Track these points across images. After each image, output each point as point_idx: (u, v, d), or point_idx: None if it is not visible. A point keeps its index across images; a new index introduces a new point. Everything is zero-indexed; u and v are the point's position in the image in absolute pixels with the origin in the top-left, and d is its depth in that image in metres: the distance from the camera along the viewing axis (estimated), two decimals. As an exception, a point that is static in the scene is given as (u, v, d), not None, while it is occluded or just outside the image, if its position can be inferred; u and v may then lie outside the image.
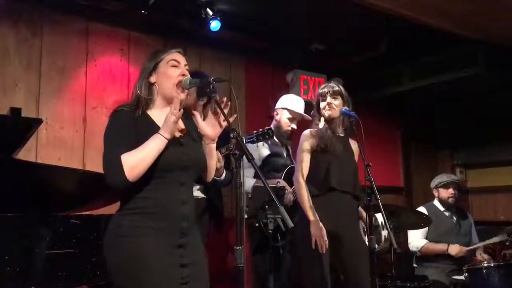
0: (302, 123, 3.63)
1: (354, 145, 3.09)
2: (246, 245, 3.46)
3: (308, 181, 2.98)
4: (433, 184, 4.33)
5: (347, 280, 2.95)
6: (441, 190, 4.25)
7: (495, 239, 4.11)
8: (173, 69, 1.96)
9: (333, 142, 2.95)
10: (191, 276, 1.88)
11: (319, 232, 2.80)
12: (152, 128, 1.88)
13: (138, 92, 1.95)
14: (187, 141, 1.98)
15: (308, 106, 4.00)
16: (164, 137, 1.84)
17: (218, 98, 1.95)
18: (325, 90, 3.04)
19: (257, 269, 3.38)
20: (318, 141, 2.97)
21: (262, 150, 3.44)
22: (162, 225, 1.85)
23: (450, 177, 4.29)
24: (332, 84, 3.06)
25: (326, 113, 3.00)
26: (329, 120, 3.01)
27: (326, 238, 2.80)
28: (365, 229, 3.07)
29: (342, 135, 3.04)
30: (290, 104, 3.62)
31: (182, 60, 2.00)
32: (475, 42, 4.36)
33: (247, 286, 3.47)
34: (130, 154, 1.79)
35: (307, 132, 3.06)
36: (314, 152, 3.00)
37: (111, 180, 1.80)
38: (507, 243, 4.37)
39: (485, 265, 3.58)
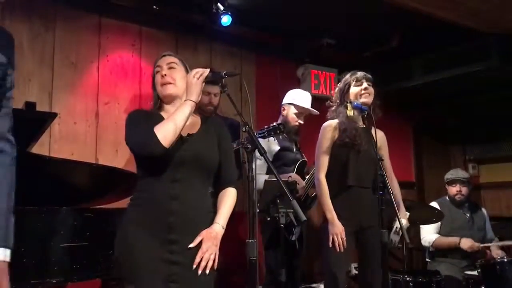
0: (309, 118, 3.62)
1: (379, 133, 2.94)
2: (258, 239, 3.50)
3: (330, 177, 2.90)
4: (445, 179, 4.30)
5: (362, 274, 2.95)
6: (449, 186, 4.22)
7: (510, 242, 4.07)
8: (157, 75, 2.08)
9: (358, 135, 2.82)
10: (182, 276, 1.85)
11: (337, 230, 2.77)
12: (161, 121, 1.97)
13: (153, 101, 2.11)
14: (194, 138, 2.00)
15: (319, 101, 4.00)
16: (192, 101, 1.93)
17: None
18: (359, 75, 2.91)
19: (269, 264, 3.39)
20: (342, 134, 2.86)
21: (272, 145, 3.43)
22: (150, 218, 1.89)
23: (456, 174, 4.20)
24: (361, 71, 2.95)
25: (363, 99, 2.88)
26: (355, 109, 2.86)
27: (344, 237, 2.76)
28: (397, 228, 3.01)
29: (364, 126, 2.92)
30: (297, 99, 3.59)
31: (164, 62, 2.07)
32: (488, 35, 4.31)
33: (261, 280, 3.51)
34: (161, 124, 1.88)
35: (328, 124, 2.93)
36: (334, 146, 2.89)
37: (147, 150, 1.85)
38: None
39: (499, 260, 3.55)
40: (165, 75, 2.02)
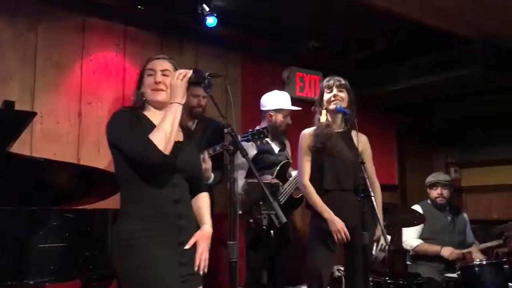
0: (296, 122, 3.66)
1: (362, 137, 3.01)
2: (241, 240, 3.50)
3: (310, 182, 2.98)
4: (426, 183, 4.35)
5: (347, 277, 2.99)
6: (430, 190, 4.27)
7: (490, 244, 4.13)
8: (149, 77, 2.05)
9: (332, 139, 2.90)
10: (190, 274, 1.93)
11: (338, 226, 2.79)
12: (151, 126, 1.95)
13: (136, 99, 2.09)
14: (182, 148, 2.03)
15: (303, 103, 4.02)
16: (178, 103, 1.93)
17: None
18: (331, 82, 3.00)
19: (251, 265, 3.39)
20: (315, 140, 2.95)
21: (250, 149, 3.43)
22: (159, 225, 1.89)
23: (438, 177, 4.26)
24: (337, 77, 3.03)
25: (332, 105, 2.95)
26: (332, 114, 2.98)
27: (346, 230, 2.79)
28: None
29: (343, 130, 3.00)
30: (282, 104, 3.64)
31: (158, 67, 2.06)
32: (472, 41, 4.36)
33: (241, 281, 3.50)
34: (155, 131, 1.88)
35: (304, 132, 3.04)
36: (311, 151, 2.98)
37: (148, 159, 1.86)
38: (501, 241, 4.40)
39: (477, 262, 3.61)
40: (159, 82, 2.02)
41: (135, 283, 1.86)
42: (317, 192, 2.92)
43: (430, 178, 4.29)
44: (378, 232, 2.90)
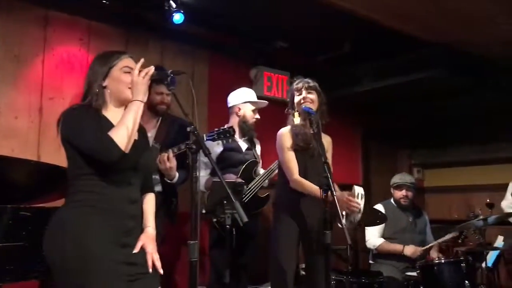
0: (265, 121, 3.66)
1: (325, 138, 3.07)
2: (206, 239, 3.49)
3: (281, 181, 3.00)
4: (391, 183, 4.43)
5: (307, 275, 3.03)
6: (395, 190, 4.36)
7: (447, 237, 4.25)
8: (126, 75, 2.00)
9: (311, 139, 2.93)
10: (141, 274, 1.91)
11: (342, 201, 2.72)
12: (110, 127, 1.91)
13: (90, 93, 1.99)
14: (138, 146, 2.01)
15: (271, 103, 4.04)
16: (140, 101, 1.91)
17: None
18: (300, 84, 3.04)
19: (215, 264, 3.39)
20: (295, 140, 2.97)
21: (215, 146, 3.42)
22: (108, 222, 1.86)
23: (404, 179, 4.35)
24: (306, 79, 3.06)
25: (302, 106, 2.98)
26: (304, 116, 2.99)
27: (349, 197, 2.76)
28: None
29: (314, 131, 2.99)
30: (250, 97, 3.68)
31: (134, 66, 2.02)
32: (435, 45, 4.46)
33: (207, 280, 3.50)
34: (116, 129, 1.85)
35: (284, 130, 3.05)
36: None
37: (107, 156, 1.83)
38: (460, 241, 4.54)
39: (436, 261, 3.71)
40: None
41: (70, 275, 1.80)
42: (293, 192, 2.93)
43: (396, 179, 4.37)
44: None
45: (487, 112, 5.58)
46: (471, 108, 5.56)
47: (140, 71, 1.94)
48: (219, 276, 3.20)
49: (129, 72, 2.00)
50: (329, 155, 3.08)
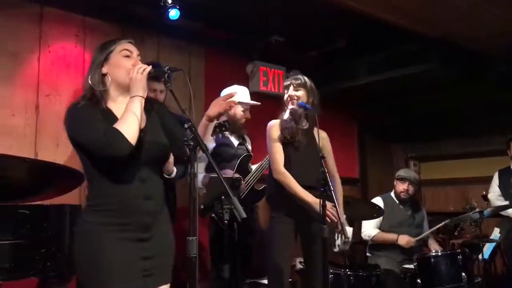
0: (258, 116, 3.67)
1: (322, 133, 3.08)
2: (204, 234, 3.49)
3: (272, 176, 3.00)
4: (396, 174, 4.46)
5: (306, 269, 3.05)
6: (398, 182, 4.38)
7: (439, 225, 4.28)
8: (126, 59, 1.96)
9: (298, 134, 2.96)
10: (155, 268, 1.90)
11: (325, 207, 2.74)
12: (115, 120, 1.87)
13: (91, 84, 1.92)
14: (145, 137, 1.95)
15: (267, 98, 4.05)
16: (139, 96, 1.87)
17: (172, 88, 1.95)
18: (288, 82, 3.08)
19: (214, 259, 3.40)
20: (282, 132, 2.99)
21: (207, 143, 3.41)
22: (124, 221, 1.85)
23: (409, 174, 4.39)
24: (296, 76, 3.08)
25: (289, 105, 3.03)
26: (293, 113, 3.02)
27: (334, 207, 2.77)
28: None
29: (306, 127, 3.05)
30: (241, 97, 3.63)
31: (134, 50, 2.00)
32: (429, 38, 4.48)
33: (206, 275, 3.51)
34: (121, 122, 1.82)
35: (273, 123, 3.08)
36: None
37: (115, 150, 1.78)
38: (456, 233, 4.57)
39: (433, 254, 3.74)
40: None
41: (88, 273, 1.84)
42: (280, 186, 2.95)
43: (402, 173, 4.40)
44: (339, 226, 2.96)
45: (482, 104, 5.61)
46: (465, 101, 5.59)
47: (137, 68, 1.90)
48: (218, 271, 3.21)
49: (129, 56, 1.96)
50: (327, 151, 3.10)
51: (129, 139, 1.79)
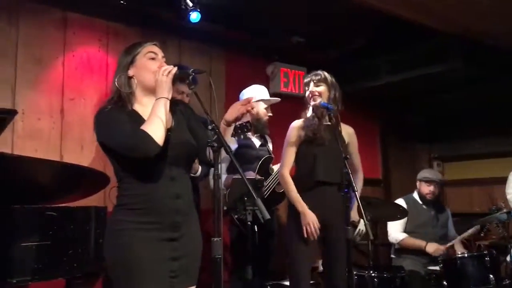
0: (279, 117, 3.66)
1: (349, 129, 3.12)
2: (227, 236, 3.51)
3: (297, 175, 3.03)
4: (419, 176, 4.38)
5: (328, 270, 3.02)
6: (423, 184, 4.30)
7: (469, 232, 4.20)
8: (151, 61, 1.98)
9: (320, 131, 2.96)
10: (182, 269, 1.91)
11: (309, 220, 2.84)
12: (142, 121, 1.89)
13: (117, 86, 1.95)
14: (173, 136, 1.97)
15: (288, 99, 4.04)
16: (166, 98, 1.89)
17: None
18: (308, 79, 3.07)
19: (237, 261, 3.40)
20: (305, 131, 2.99)
21: (230, 144, 3.42)
22: (154, 220, 1.86)
23: (435, 176, 4.34)
24: (316, 72, 3.08)
25: (312, 101, 3.02)
26: (315, 109, 3.02)
27: (317, 225, 2.84)
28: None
29: (329, 123, 3.01)
30: (262, 95, 3.69)
31: (159, 52, 2.02)
32: (451, 36, 4.41)
33: (229, 276, 3.52)
34: (148, 123, 1.83)
35: (294, 124, 3.09)
36: (301, 144, 3.02)
37: (144, 151, 1.81)
38: (482, 234, 4.48)
39: (459, 256, 3.67)
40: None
41: (118, 271, 1.85)
42: (305, 184, 2.96)
43: (427, 174, 4.33)
44: (357, 217, 2.98)
45: (506, 102, 5.49)
46: (487, 99, 5.48)
47: (163, 70, 1.92)
48: (241, 272, 3.21)
49: (154, 58, 1.98)
50: (353, 147, 3.13)
51: (156, 140, 1.81)
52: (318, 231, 2.84)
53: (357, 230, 3.09)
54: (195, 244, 2.01)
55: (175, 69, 1.94)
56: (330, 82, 3.05)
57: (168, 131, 1.93)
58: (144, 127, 1.83)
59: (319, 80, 3.03)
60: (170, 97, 1.93)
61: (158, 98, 1.90)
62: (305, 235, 2.85)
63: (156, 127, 1.83)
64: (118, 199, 1.95)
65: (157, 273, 1.84)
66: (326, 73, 3.07)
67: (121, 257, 1.84)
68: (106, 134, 1.88)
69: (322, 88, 3.02)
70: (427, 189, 4.27)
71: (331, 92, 3.02)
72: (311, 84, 3.03)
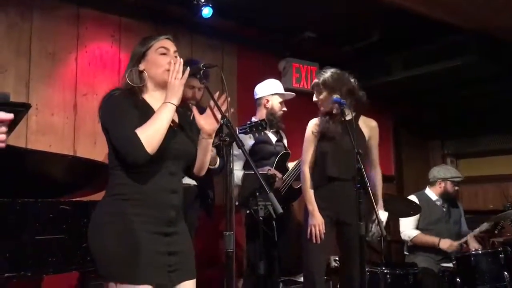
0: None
1: (371, 122, 3.12)
2: (239, 231, 3.51)
3: (313, 172, 3.05)
4: (442, 174, 4.28)
5: (343, 266, 3.04)
6: (448, 183, 4.24)
7: (482, 227, 4.15)
8: (162, 57, 1.95)
9: (332, 127, 2.97)
10: (179, 264, 1.87)
11: (315, 222, 2.89)
12: (150, 112, 1.86)
13: (128, 81, 1.92)
14: (179, 132, 1.97)
15: (300, 94, 4.02)
16: (173, 104, 1.84)
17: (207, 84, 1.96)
18: (312, 89, 3.12)
19: (249, 256, 3.41)
20: (319, 127, 3.03)
21: (247, 140, 3.43)
22: (150, 213, 1.83)
23: (460, 175, 4.31)
24: (315, 80, 3.09)
25: (321, 108, 3.07)
26: (333, 106, 3.00)
27: (322, 229, 2.87)
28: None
29: (346, 118, 2.92)
30: (277, 89, 3.68)
31: (171, 46, 1.98)
32: (466, 31, 4.36)
33: (240, 271, 3.52)
34: (144, 128, 1.78)
35: (312, 120, 3.12)
36: (318, 141, 3.05)
37: (132, 157, 1.77)
38: (496, 232, 4.43)
39: (473, 252, 3.63)
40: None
41: (112, 261, 1.77)
42: (320, 179, 2.98)
43: (454, 174, 4.27)
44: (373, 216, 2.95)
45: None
46: (504, 95, 5.41)
47: (174, 73, 1.87)
48: (253, 268, 3.22)
49: (165, 54, 1.94)
50: (374, 141, 3.11)
51: (148, 149, 1.76)
52: (322, 236, 2.88)
53: (371, 232, 3.03)
54: (187, 241, 1.97)
55: (186, 72, 1.89)
56: (326, 83, 3.00)
57: (173, 127, 1.91)
58: (141, 131, 1.77)
59: (317, 90, 3.05)
60: (178, 103, 1.87)
61: (166, 103, 1.85)
62: (308, 236, 2.89)
63: (154, 134, 1.78)
64: (110, 188, 1.88)
65: (156, 264, 1.80)
66: (321, 76, 3.04)
67: (115, 248, 1.76)
68: (109, 124, 1.84)
69: (323, 95, 3.01)
70: (453, 188, 4.22)
71: (335, 91, 2.97)
72: (314, 93, 3.08)
